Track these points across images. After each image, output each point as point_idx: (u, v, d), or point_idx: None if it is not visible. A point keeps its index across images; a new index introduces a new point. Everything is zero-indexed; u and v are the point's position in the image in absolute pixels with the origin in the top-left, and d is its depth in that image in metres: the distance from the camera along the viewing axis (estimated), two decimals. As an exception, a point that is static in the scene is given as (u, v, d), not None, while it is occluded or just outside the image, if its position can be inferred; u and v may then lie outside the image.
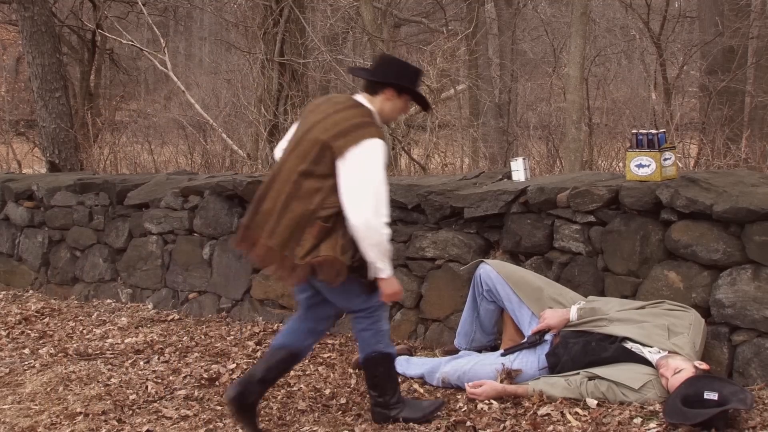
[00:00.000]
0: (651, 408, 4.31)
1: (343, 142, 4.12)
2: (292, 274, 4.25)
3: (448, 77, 11.84)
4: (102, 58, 16.46)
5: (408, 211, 5.94)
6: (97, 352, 6.26)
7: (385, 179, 4.16)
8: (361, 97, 4.40)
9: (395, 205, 5.95)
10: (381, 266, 4.23)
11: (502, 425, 4.32)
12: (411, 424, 4.47)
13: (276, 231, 4.24)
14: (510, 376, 4.74)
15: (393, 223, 6.01)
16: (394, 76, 4.37)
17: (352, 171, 4.11)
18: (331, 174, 4.16)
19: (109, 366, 5.91)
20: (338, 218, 4.17)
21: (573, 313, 4.83)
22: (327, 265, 4.16)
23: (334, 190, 4.15)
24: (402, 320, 5.99)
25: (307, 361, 5.72)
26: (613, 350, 4.58)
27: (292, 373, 5.49)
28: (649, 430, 4.05)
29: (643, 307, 4.77)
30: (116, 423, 4.82)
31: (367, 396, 4.94)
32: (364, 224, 4.10)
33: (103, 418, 4.90)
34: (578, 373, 4.62)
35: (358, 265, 4.21)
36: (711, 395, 4.06)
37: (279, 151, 4.59)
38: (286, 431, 4.54)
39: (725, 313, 4.57)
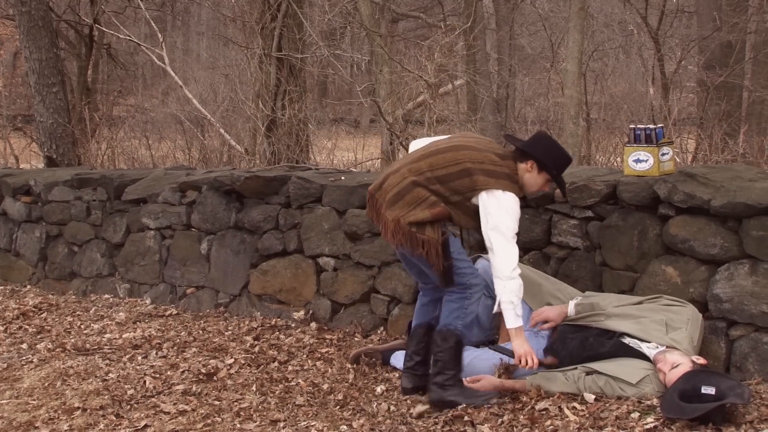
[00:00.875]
0: (648, 403, 4.32)
1: (493, 182, 4.50)
2: (394, 234, 4.61)
3: (446, 72, 11.82)
4: (99, 53, 16.38)
5: (406, 206, 5.93)
6: (95, 347, 6.26)
7: (514, 231, 4.52)
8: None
9: (393, 200, 5.95)
10: (507, 316, 4.57)
11: (500, 420, 4.32)
12: (427, 413, 4.53)
13: (395, 203, 4.63)
14: (508, 370, 4.74)
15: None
16: (540, 152, 4.63)
17: (490, 212, 4.50)
18: (461, 193, 4.55)
19: (107, 361, 5.91)
20: (452, 216, 4.58)
21: (571, 309, 4.84)
22: (430, 245, 4.52)
23: (454, 203, 4.56)
24: (400, 315, 5.99)
25: (304, 356, 5.73)
26: (611, 345, 4.59)
27: (289, 368, 5.51)
28: (646, 424, 4.05)
29: (640, 303, 4.78)
30: (114, 418, 4.82)
31: (366, 390, 4.96)
32: (499, 265, 4.51)
33: (101, 413, 4.91)
34: (576, 368, 4.62)
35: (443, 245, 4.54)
36: (708, 390, 4.06)
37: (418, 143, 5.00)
38: (283, 426, 4.54)
39: (723, 308, 4.58)
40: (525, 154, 4.65)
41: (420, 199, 4.57)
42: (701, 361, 4.39)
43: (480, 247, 5.53)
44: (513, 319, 4.56)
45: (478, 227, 4.62)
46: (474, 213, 4.58)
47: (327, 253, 6.38)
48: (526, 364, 4.55)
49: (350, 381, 5.17)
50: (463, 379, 4.76)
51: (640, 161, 5.03)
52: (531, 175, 4.65)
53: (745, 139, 8.81)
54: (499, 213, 4.49)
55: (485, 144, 4.77)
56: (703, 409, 3.95)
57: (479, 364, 4.86)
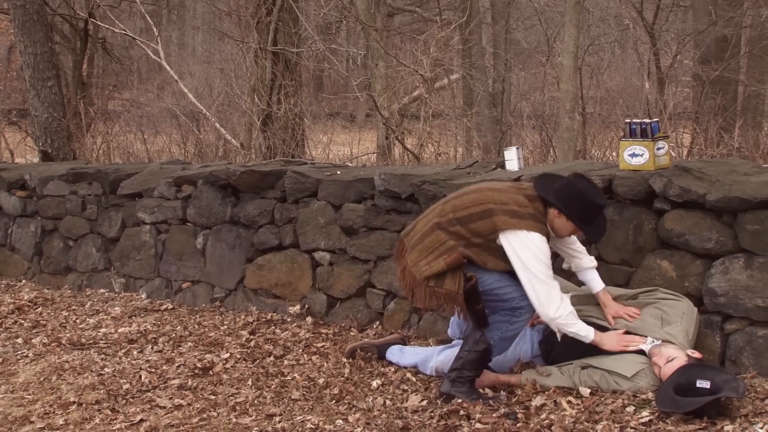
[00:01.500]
0: (644, 396, 4.33)
1: (516, 222, 4.46)
2: (413, 292, 4.62)
3: (442, 67, 11.81)
4: (94, 47, 16.36)
5: (401, 201, 5.94)
6: (91, 341, 6.26)
7: (546, 270, 4.46)
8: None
9: (389, 194, 5.95)
10: (580, 336, 4.54)
11: (496, 413, 4.33)
12: (411, 407, 4.54)
13: (417, 246, 4.62)
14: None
15: (387, 212, 6.02)
16: (563, 203, 4.53)
17: (517, 254, 4.45)
18: (483, 235, 4.50)
19: (103, 355, 5.91)
20: (471, 261, 4.52)
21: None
22: (449, 297, 4.50)
23: (477, 245, 4.51)
24: (395, 309, 5.99)
25: (300, 350, 5.73)
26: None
27: (285, 362, 5.51)
28: (641, 418, 4.06)
29: (636, 296, 4.79)
30: (110, 412, 4.82)
31: (362, 385, 4.97)
32: (538, 305, 4.49)
33: (96, 407, 4.91)
34: (572, 363, 4.64)
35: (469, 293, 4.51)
36: (703, 384, 4.07)
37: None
38: (279, 421, 4.54)
39: (718, 302, 4.58)
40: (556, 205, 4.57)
41: (438, 244, 4.54)
42: (696, 354, 4.40)
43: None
44: (584, 335, 4.54)
45: (509, 268, 4.53)
46: (502, 254, 4.51)
47: (323, 248, 6.38)
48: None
49: (346, 375, 5.17)
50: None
51: (635, 155, 5.03)
52: (560, 221, 4.58)
53: (741, 134, 8.82)
54: (525, 254, 4.43)
55: (514, 187, 4.71)
56: (698, 403, 3.96)
57: (501, 359, 4.87)
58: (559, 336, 4.62)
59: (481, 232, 4.50)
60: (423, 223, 4.69)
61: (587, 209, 4.55)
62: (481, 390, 4.68)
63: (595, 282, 4.80)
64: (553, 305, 4.44)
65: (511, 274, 4.54)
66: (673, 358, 4.31)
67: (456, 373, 4.63)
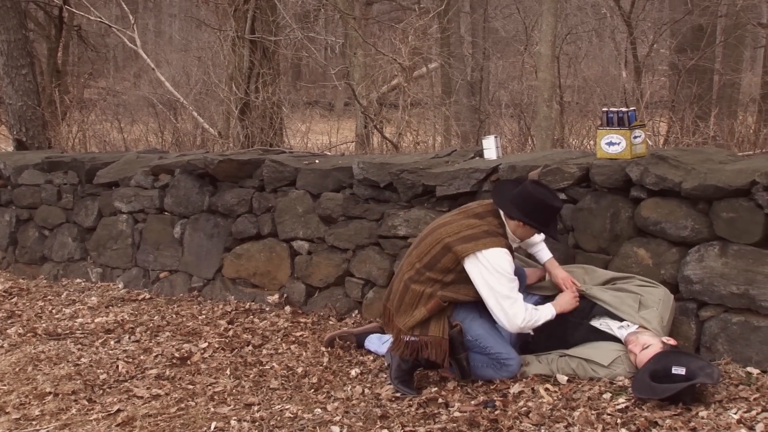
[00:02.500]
0: (620, 383, 4.37)
1: (472, 246, 4.49)
2: (396, 344, 4.65)
3: (420, 55, 11.80)
4: (69, 35, 16.21)
5: (380, 190, 5.94)
6: (67, 331, 6.23)
7: (509, 283, 4.50)
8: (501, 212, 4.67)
9: (367, 183, 5.95)
10: (547, 320, 4.62)
11: (474, 401, 4.34)
12: (386, 396, 4.55)
13: (399, 308, 4.66)
14: None
15: (365, 201, 6.02)
16: (523, 213, 4.57)
17: (476, 278, 4.50)
18: (452, 270, 4.54)
19: (79, 346, 5.88)
20: (452, 304, 4.59)
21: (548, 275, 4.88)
22: (434, 344, 4.54)
23: (452, 282, 4.55)
24: (374, 298, 6.00)
25: (279, 339, 5.72)
26: (584, 330, 4.63)
27: (264, 351, 5.50)
28: (618, 404, 4.09)
29: (614, 281, 4.82)
30: (86, 402, 4.80)
31: (341, 373, 4.97)
32: (501, 321, 4.54)
33: (73, 397, 4.89)
34: (550, 352, 4.67)
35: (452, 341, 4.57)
36: (679, 370, 4.11)
37: None
38: (258, 410, 4.54)
39: (693, 289, 4.62)
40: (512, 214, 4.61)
41: (417, 297, 4.58)
42: (672, 341, 4.44)
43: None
44: (549, 316, 4.62)
45: None
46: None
47: (301, 237, 6.37)
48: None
49: (325, 364, 5.17)
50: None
51: (612, 144, 5.05)
52: (523, 230, 4.63)
53: (716, 122, 8.88)
54: (486, 274, 4.47)
55: (461, 213, 4.74)
56: (673, 389, 4.00)
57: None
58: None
59: (449, 268, 4.55)
60: (397, 284, 4.72)
61: (545, 214, 4.63)
62: (411, 378, 4.72)
63: (543, 253, 4.91)
64: (519, 317, 4.50)
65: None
66: (649, 345, 4.35)
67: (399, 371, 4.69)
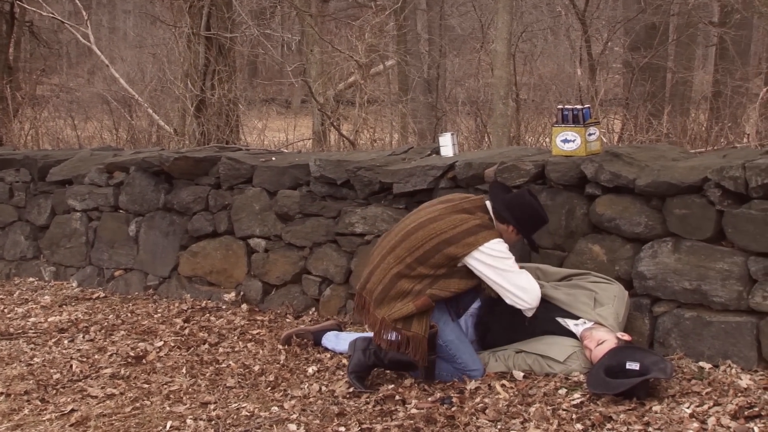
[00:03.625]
0: (575, 379, 4.41)
1: (472, 240, 4.50)
2: (380, 334, 4.61)
3: (377, 53, 11.82)
4: (21, 31, 15.99)
5: (337, 187, 5.93)
6: (19, 331, 6.14)
7: (515, 264, 4.58)
8: (488, 205, 4.71)
9: (324, 180, 5.94)
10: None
11: (431, 398, 4.36)
12: (341, 393, 4.55)
13: (383, 301, 4.61)
14: None
15: (322, 198, 6.01)
16: (519, 221, 4.63)
17: (484, 273, 4.54)
18: (446, 265, 4.53)
19: (32, 345, 5.80)
20: (440, 300, 4.58)
21: None
22: (415, 341, 4.52)
23: (444, 276, 4.55)
24: (332, 296, 5.99)
25: (235, 337, 5.70)
26: (539, 323, 4.67)
27: (220, 350, 5.47)
28: (573, 400, 4.13)
29: (570, 278, 4.86)
30: (39, 403, 4.74)
31: (298, 371, 4.96)
32: (529, 308, 4.60)
33: (25, 398, 4.81)
34: (506, 349, 4.70)
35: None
36: (633, 365, 4.16)
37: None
38: (214, 408, 4.51)
39: (647, 285, 4.68)
40: (505, 217, 4.65)
41: (405, 292, 4.55)
42: (626, 337, 4.49)
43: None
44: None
45: (475, 283, 4.63)
46: (466, 272, 4.58)
47: (258, 234, 6.35)
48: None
49: (281, 362, 5.16)
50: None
51: (567, 141, 5.09)
52: (509, 236, 4.66)
53: (669, 120, 9.01)
54: (494, 265, 4.51)
55: (449, 208, 4.72)
56: (627, 384, 4.04)
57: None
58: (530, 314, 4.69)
59: (443, 263, 4.54)
60: (380, 274, 4.66)
61: (539, 224, 4.73)
62: (367, 376, 4.73)
63: None
64: (536, 287, 4.59)
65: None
66: (604, 341, 4.39)
67: (376, 348, 4.67)
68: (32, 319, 6.42)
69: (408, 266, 4.57)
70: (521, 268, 4.94)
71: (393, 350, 4.58)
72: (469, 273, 4.58)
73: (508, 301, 4.58)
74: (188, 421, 4.35)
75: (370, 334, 5.18)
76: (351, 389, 4.60)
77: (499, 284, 4.55)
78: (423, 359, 4.55)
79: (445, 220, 4.60)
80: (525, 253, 5.21)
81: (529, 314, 4.64)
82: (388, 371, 4.81)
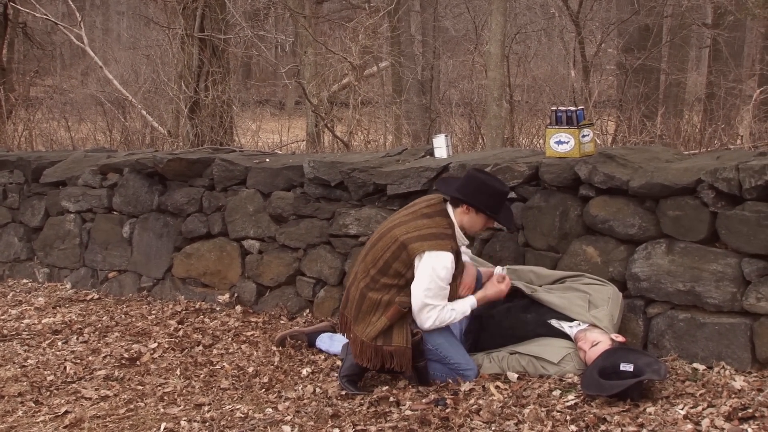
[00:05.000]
0: (569, 380, 4.42)
1: (419, 246, 4.47)
2: (361, 354, 4.59)
3: (371, 54, 11.82)
4: (15, 32, 15.98)
5: (331, 189, 5.93)
6: (13, 332, 6.13)
7: (439, 290, 4.51)
8: (449, 207, 4.67)
9: (318, 182, 5.94)
10: (466, 313, 4.67)
11: (425, 399, 4.36)
12: (335, 395, 4.56)
13: (357, 316, 4.62)
14: None
15: (316, 200, 6.01)
16: (471, 196, 4.57)
17: (421, 270, 4.47)
18: (405, 273, 4.52)
19: (26, 347, 5.79)
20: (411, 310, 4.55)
21: (497, 271, 4.89)
22: (399, 354, 4.51)
23: (406, 285, 4.53)
24: (326, 297, 5.99)
25: (229, 339, 5.69)
26: (533, 324, 4.67)
27: (214, 351, 5.47)
28: (567, 401, 4.14)
29: (563, 280, 4.87)
30: (33, 404, 4.73)
31: (292, 373, 4.96)
32: (419, 325, 4.57)
33: (19, 399, 4.81)
34: (500, 350, 4.70)
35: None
36: (627, 367, 4.17)
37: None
38: (208, 410, 4.51)
39: (641, 287, 4.69)
40: (457, 198, 4.61)
41: (375, 305, 4.55)
42: (620, 338, 4.50)
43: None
44: (468, 309, 4.66)
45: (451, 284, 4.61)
46: None
47: (252, 236, 6.34)
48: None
49: (276, 364, 5.15)
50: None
51: (561, 143, 5.10)
52: (469, 217, 4.62)
53: (663, 121, 9.02)
54: (424, 272, 4.47)
55: (410, 213, 4.70)
56: (621, 386, 4.05)
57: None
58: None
59: (401, 272, 4.53)
60: (353, 292, 4.68)
61: (494, 198, 4.62)
62: (359, 379, 4.72)
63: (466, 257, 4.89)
64: (429, 321, 4.53)
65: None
66: (598, 342, 4.40)
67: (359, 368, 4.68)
68: (26, 321, 6.41)
69: (372, 279, 4.58)
70: (515, 269, 4.96)
71: (378, 367, 4.58)
72: None
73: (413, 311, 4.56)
74: (182, 422, 4.35)
75: (331, 339, 5.20)
76: (343, 391, 4.60)
77: (414, 291, 4.50)
78: (408, 369, 4.55)
79: (403, 227, 4.58)
80: (519, 255, 5.23)
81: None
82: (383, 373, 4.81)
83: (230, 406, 4.55)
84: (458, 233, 4.63)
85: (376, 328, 4.53)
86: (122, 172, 7.05)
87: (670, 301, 4.61)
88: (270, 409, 4.46)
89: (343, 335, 4.96)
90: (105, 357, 5.47)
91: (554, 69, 14.88)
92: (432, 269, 4.46)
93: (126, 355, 5.44)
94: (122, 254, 7.07)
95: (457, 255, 4.57)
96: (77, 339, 5.92)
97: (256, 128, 11.51)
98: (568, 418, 3.96)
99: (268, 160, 6.49)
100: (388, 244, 4.56)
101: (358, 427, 4.10)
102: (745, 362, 4.37)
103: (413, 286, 4.50)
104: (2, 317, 6.58)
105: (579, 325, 4.59)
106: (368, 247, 4.72)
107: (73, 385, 5.02)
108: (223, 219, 6.47)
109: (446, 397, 4.36)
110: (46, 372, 5.24)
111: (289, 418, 4.31)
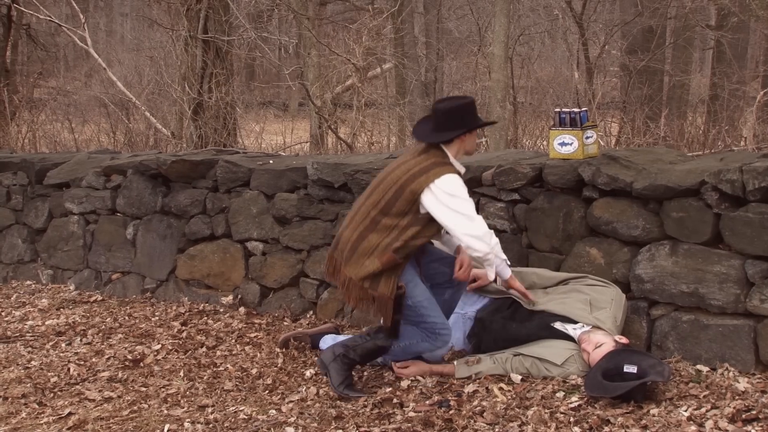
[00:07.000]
0: (573, 382, 4.41)
1: (424, 179, 4.48)
2: (346, 292, 4.61)
3: (374, 56, 11.83)
4: (18, 34, 16.00)
5: (335, 190, 5.93)
6: (17, 334, 6.13)
7: (469, 204, 4.53)
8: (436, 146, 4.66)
9: (321, 183, 5.94)
10: (506, 268, 4.72)
11: (429, 401, 4.36)
12: (336, 391, 4.56)
13: (351, 258, 4.59)
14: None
15: (320, 201, 6.01)
16: (459, 125, 4.60)
17: (437, 207, 4.48)
18: (408, 212, 4.52)
19: (30, 348, 5.80)
20: (408, 255, 4.56)
21: None
22: (381, 302, 4.52)
23: (408, 226, 4.52)
24: (329, 299, 5.99)
25: (233, 340, 5.69)
26: (535, 327, 4.67)
27: (218, 353, 5.47)
28: (571, 403, 4.13)
29: (566, 281, 4.87)
30: (37, 406, 4.73)
31: (296, 374, 4.96)
32: (472, 243, 4.52)
33: (23, 401, 4.81)
34: (503, 352, 4.70)
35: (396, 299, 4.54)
36: (630, 368, 4.16)
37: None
38: (211, 412, 4.51)
39: (644, 288, 4.68)
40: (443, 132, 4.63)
41: (372, 247, 4.54)
42: (623, 340, 4.49)
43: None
44: (507, 268, 4.72)
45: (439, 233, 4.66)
46: (430, 219, 4.54)
47: (255, 237, 6.34)
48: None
49: (279, 365, 5.15)
50: (394, 365, 4.79)
51: (565, 144, 5.10)
52: (465, 142, 4.64)
53: (666, 123, 9.02)
54: (444, 202, 4.46)
55: (407, 155, 4.73)
56: (625, 388, 4.05)
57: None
58: (491, 276, 4.72)
59: (405, 210, 4.52)
60: (349, 233, 4.66)
61: (471, 113, 4.68)
62: (353, 380, 4.70)
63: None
64: (487, 237, 4.53)
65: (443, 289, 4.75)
66: (602, 344, 4.39)
67: (343, 350, 4.66)
68: (30, 323, 6.42)
69: (373, 220, 4.57)
70: (518, 272, 4.96)
71: (361, 309, 4.62)
72: (432, 219, 4.54)
73: (463, 245, 4.59)
74: (186, 424, 4.35)
75: (334, 340, 5.12)
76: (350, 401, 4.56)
77: (450, 222, 4.50)
78: (387, 320, 4.55)
79: (403, 167, 4.60)
80: (522, 257, 5.22)
81: (490, 275, 4.70)
82: (385, 372, 4.80)
83: (234, 408, 4.54)
84: (455, 163, 4.64)
85: (366, 270, 4.52)
86: (126, 173, 7.05)
87: (674, 303, 4.61)
88: (273, 411, 4.46)
89: (329, 279, 4.96)
90: (108, 358, 5.47)
91: (558, 71, 14.88)
92: (449, 194, 4.47)
93: (129, 357, 5.44)
94: (126, 256, 7.08)
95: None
96: (81, 340, 5.92)
97: (259, 130, 11.51)
98: (571, 419, 3.95)
99: (271, 161, 6.49)
100: (390, 185, 4.56)
101: (362, 429, 4.10)
102: (748, 364, 4.37)
103: (443, 218, 4.49)
104: (6, 319, 6.59)
105: (583, 327, 4.58)
106: (367, 193, 4.71)
107: (77, 386, 5.02)
108: (226, 220, 6.47)
109: (449, 398, 4.36)
110: (49, 373, 5.24)
111: (292, 419, 4.31)
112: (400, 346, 4.67)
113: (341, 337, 5.32)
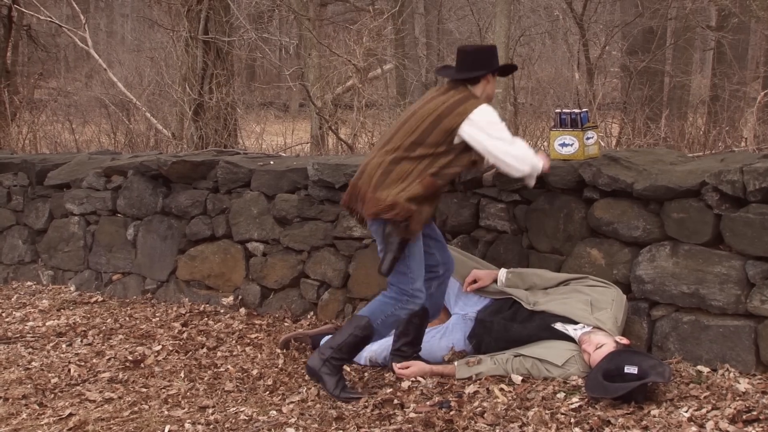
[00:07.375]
0: (574, 383, 4.41)
1: (462, 109, 4.54)
2: (392, 209, 4.50)
3: (375, 57, 11.83)
4: (19, 35, 15.99)
5: (335, 191, 5.93)
6: (17, 335, 6.13)
7: (506, 129, 4.62)
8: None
9: (322, 184, 5.94)
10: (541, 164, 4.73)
11: (429, 402, 4.36)
12: (333, 397, 4.54)
13: (384, 182, 4.56)
14: (457, 356, 4.83)
15: (320, 202, 6.01)
16: (489, 65, 4.72)
17: (478, 135, 4.53)
18: (443, 142, 4.53)
19: (30, 349, 5.80)
20: (443, 184, 4.63)
21: (502, 274, 4.90)
22: (417, 222, 4.52)
23: (442, 154, 4.54)
24: (330, 300, 5.99)
25: (233, 341, 5.69)
26: (535, 327, 4.67)
27: (218, 354, 5.47)
28: (571, 404, 4.13)
29: (567, 282, 4.87)
30: (37, 407, 4.73)
31: (296, 375, 4.96)
32: (515, 164, 4.59)
33: (23, 402, 4.81)
34: (504, 352, 4.70)
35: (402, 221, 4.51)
36: (631, 369, 4.16)
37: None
38: (212, 413, 4.51)
39: (645, 289, 4.68)
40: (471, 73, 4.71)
41: (406, 174, 4.53)
42: (624, 341, 4.49)
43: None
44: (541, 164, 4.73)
45: (477, 159, 4.65)
46: (464, 149, 4.56)
47: (256, 238, 6.34)
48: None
49: (280, 366, 5.15)
50: (395, 365, 4.79)
51: (565, 145, 5.10)
52: (490, 84, 4.73)
53: (667, 124, 9.01)
54: (485, 130, 4.51)
55: (433, 93, 4.80)
56: (625, 388, 4.05)
57: (434, 349, 4.92)
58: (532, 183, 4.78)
59: (440, 140, 4.53)
60: (375, 163, 4.62)
61: (494, 56, 4.83)
62: (347, 381, 4.68)
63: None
64: (528, 151, 4.62)
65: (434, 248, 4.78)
66: (602, 344, 4.39)
67: (330, 353, 4.62)
68: (30, 323, 6.42)
69: (406, 149, 4.56)
70: (519, 273, 4.96)
71: (402, 218, 4.49)
72: (466, 149, 4.57)
73: (503, 169, 4.65)
74: (186, 425, 4.35)
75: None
76: (350, 402, 4.55)
77: (492, 153, 4.55)
78: (409, 234, 4.52)
79: (433, 103, 4.63)
80: (523, 258, 5.22)
81: (531, 183, 4.76)
82: (386, 373, 4.80)
83: (234, 409, 4.55)
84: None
85: (410, 193, 4.49)
86: (126, 174, 7.05)
87: (675, 304, 4.61)
88: (274, 412, 4.46)
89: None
90: (109, 359, 5.47)
91: (558, 71, 14.88)
92: (488, 122, 4.53)
93: (130, 358, 5.44)
94: (126, 257, 7.08)
95: None
96: (81, 341, 5.92)
97: (260, 130, 11.52)
98: (572, 420, 3.96)
99: (272, 162, 6.50)
100: (424, 117, 4.58)
101: (362, 430, 4.11)
102: (749, 365, 4.37)
103: (485, 146, 4.54)
104: (6, 320, 6.59)
105: (583, 327, 4.58)
106: (395, 128, 4.72)
107: (77, 387, 5.02)
108: (227, 221, 6.47)
109: (450, 399, 4.36)
110: (50, 374, 5.24)
111: (293, 420, 4.31)
112: (378, 323, 4.61)
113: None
